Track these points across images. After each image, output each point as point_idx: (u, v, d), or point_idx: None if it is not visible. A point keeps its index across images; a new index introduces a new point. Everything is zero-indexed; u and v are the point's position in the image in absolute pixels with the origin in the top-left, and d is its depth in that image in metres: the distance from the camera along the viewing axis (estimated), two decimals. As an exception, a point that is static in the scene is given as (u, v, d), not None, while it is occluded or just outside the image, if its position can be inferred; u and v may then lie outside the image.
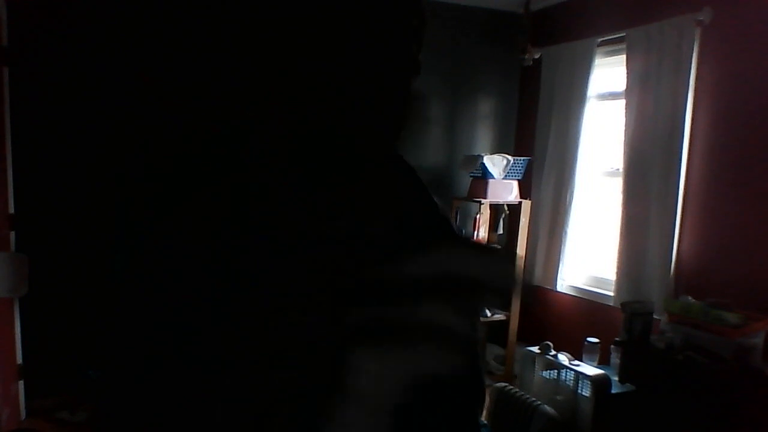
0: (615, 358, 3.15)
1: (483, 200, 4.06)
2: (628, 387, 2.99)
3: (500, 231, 4.40)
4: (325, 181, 0.60)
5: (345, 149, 0.59)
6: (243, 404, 0.54)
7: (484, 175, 4.07)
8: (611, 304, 3.72)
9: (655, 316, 3.16)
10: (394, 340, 0.47)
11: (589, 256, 4.16)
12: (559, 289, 4.17)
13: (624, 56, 3.64)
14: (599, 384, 2.85)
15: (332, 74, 0.55)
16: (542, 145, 4.30)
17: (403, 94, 0.61)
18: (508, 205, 4.28)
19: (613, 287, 3.75)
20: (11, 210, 3.13)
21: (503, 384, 3.20)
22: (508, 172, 4.12)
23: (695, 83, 3.26)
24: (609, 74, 3.93)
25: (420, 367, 0.47)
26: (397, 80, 0.59)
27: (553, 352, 3.12)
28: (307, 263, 0.58)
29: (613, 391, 2.89)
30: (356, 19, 0.55)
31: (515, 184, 4.19)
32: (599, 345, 3.26)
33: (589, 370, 2.95)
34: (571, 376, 2.98)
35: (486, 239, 4.09)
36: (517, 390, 3.12)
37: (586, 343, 3.27)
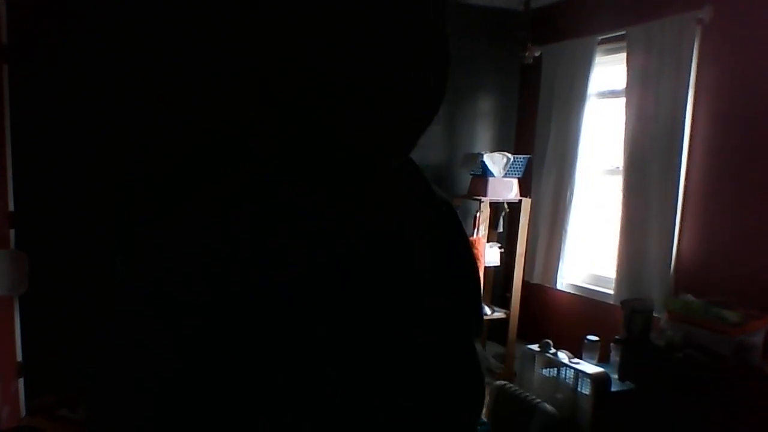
0: (615, 356, 3.15)
1: (483, 198, 4.06)
2: (628, 385, 2.99)
3: (500, 229, 4.40)
4: (327, 181, 0.60)
5: (347, 149, 0.59)
6: (244, 409, 0.54)
7: (484, 173, 4.07)
8: (611, 302, 3.72)
9: (654, 314, 3.16)
10: None
11: (589, 254, 4.16)
12: (559, 287, 4.17)
13: (624, 54, 3.64)
14: (599, 382, 2.85)
15: (337, 74, 0.55)
16: (542, 143, 4.30)
17: (424, 96, 0.59)
18: (508, 203, 4.28)
19: (613, 285, 3.75)
20: (11, 208, 3.13)
21: (503, 382, 3.20)
22: (508, 170, 4.12)
23: (695, 81, 3.26)
24: (609, 72, 3.92)
25: None
26: (417, 82, 0.58)
27: (553, 350, 3.12)
28: (311, 265, 0.57)
29: (612, 389, 2.90)
30: (366, 18, 0.54)
31: (515, 182, 4.18)
32: (599, 343, 3.26)
33: (589, 368, 2.96)
34: (570, 374, 2.99)
35: (486, 237, 4.09)
36: (517, 388, 3.12)
37: (585, 341, 3.28)
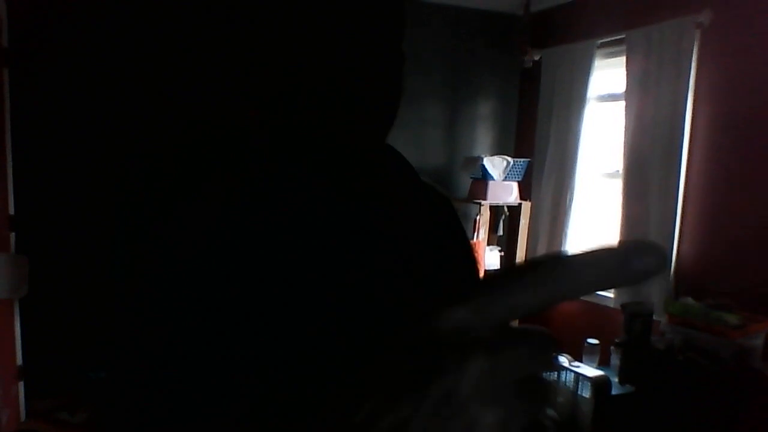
0: (615, 360, 3.14)
1: (483, 202, 4.06)
2: (628, 388, 2.99)
3: (500, 232, 4.40)
4: (326, 175, 0.61)
5: (341, 143, 0.60)
6: (249, 405, 0.54)
7: (484, 176, 4.08)
8: (611, 305, 3.72)
9: (655, 317, 3.16)
10: None
11: (588, 257, 4.16)
12: (558, 290, 4.16)
13: (624, 58, 3.64)
14: (599, 385, 2.85)
15: (326, 70, 0.58)
16: (542, 146, 4.30)
17: (394, 87, 0.64)
18: (508, 206, 4.28)
19: (612, 288, 3.75)
20: (11, 211, 3.13)
21: (503, 385, 3.19)
22: (508, 174, 4.12)
23: (695, 85, 3.26)
24: (609, 76, 3.93)
25: None
26: (390, 74, 0.62)
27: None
28: (314, 261, 0.58)
29: (613, 393, 2.89)
30: (346, 16, 0.57)
31: (515, 185, 4.19)
32: (599, 346, 3.26)
33: (589, 371, 2.95)
34: (570, 377, 2.98)
35: (486, 241, 4.09)
36: (517, 391, 3.11)
37: (585, 344, 3.27)
